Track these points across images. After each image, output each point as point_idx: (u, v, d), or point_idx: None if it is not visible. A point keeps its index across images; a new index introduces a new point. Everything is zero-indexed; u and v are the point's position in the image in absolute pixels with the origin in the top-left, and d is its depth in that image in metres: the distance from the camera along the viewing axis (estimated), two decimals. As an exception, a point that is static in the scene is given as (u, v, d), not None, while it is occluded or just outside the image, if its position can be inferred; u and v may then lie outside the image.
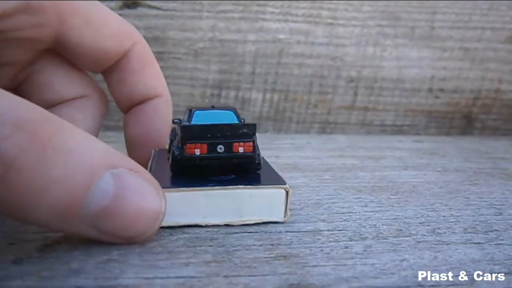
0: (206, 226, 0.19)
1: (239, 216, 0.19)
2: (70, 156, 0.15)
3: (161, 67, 0.25)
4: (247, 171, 0.21)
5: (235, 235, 0.18)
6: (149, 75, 0.24)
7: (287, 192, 0.19)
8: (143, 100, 0.25)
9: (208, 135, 0.19)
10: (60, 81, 0.23)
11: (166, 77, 0.26)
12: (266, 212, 0.19)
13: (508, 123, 0.52)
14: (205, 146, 0.19)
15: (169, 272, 0.15)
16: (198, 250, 0.17)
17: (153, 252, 0.16)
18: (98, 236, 0.16)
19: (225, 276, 0.15)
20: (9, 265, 0.15)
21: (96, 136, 0.24)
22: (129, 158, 0.17)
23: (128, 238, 0.16)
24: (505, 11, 0.48)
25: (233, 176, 0.20)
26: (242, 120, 0.25)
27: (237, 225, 0.19)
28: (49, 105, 0.22)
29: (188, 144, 0.19)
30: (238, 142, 0.19)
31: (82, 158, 0.15)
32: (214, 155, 0.19)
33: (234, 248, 0.17)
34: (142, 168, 0.17)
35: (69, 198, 0.14)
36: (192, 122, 0.21)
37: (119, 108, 0.26)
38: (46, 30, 0.20)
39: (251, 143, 0.19)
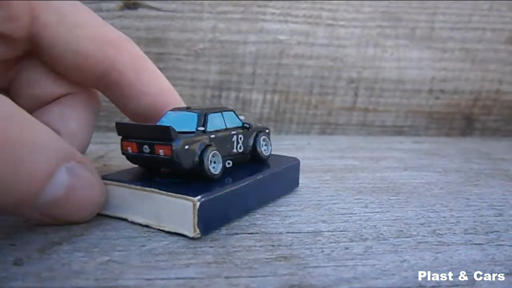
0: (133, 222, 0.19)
1: (158, 221, 0.19)
2: (34, 152, 0.16)
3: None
4: (201, 177, 0.20)
5: (236, 236, 0.18)
6: (149, 83, 0.23)
7: (194, 206, 0.17)
8: (157, 109, 0.24)
9: (137, 135, 0.20)
10: (47, 76, 0.22)
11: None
12: (180, 222, 0.18)
13: (508, 124, 0.52)
14: (134, 145, 0.20)
15: (170, 273, 0.15)
16: (198, 251, 0.17)
17: (153, 253, 0.17)
18: (41, 218, 0.18)
19: (226, 277, 0.15)
20: (10, 266, 0.15)
21: (91, 132, 0.23)
22: (76, 151, 0.19)
23: (71, 222, 0.19)
24: (505, 11, 0.48)
25: (178, 180, 0.20)
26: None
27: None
28: (40, 102, 0.22)
29: (123, 142, 0.20)
30: (160, 144, 0.19)
31: (45, 153, 0.16)
32: (140, 154, 0.20)
33: (235, 249, 0.17)
34: (87, 160, 0.19)
35: (30, 189, 0.16)
36: (159, 122, 0.21)
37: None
38: (18, 25, 0.20)
39: (169, 147, 0.19)
